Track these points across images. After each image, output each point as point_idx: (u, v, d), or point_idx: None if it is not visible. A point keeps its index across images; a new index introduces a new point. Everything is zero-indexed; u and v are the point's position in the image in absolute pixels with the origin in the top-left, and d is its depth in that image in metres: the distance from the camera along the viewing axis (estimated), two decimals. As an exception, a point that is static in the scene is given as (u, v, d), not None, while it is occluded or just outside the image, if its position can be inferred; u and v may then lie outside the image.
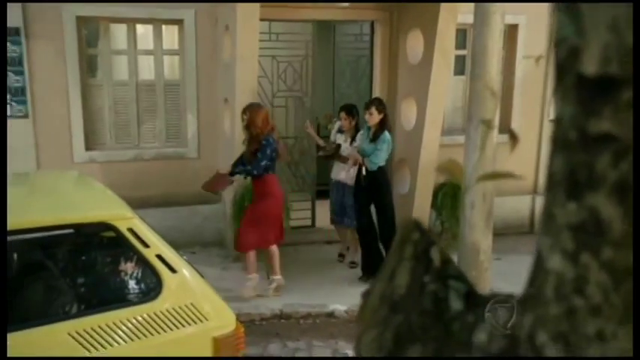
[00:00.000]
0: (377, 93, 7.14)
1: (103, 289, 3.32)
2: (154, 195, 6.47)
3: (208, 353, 3.15)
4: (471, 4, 4.77)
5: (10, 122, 5.84)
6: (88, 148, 6.26)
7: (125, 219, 2.99)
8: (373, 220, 5.94)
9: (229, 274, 5.99)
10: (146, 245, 3.01)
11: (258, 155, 5.20)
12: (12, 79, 5.81)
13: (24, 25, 5.74)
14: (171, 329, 3.02)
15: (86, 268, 3.49)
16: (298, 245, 6.93)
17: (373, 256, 5.78)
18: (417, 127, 6.70)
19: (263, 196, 5.33)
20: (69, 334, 2.75)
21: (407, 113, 6.90)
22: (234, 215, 6.17)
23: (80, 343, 2.76)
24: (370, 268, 5.78)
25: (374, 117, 5.68)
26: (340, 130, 6.17)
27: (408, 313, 0.71)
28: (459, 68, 7.48)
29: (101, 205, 3.15)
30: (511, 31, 7.36)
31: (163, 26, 6.51)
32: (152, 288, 3.05)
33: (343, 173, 6.09)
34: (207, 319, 3.14)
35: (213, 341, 3.15)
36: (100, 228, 3.06)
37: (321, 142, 6.50)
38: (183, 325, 3.06)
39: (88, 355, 2.77)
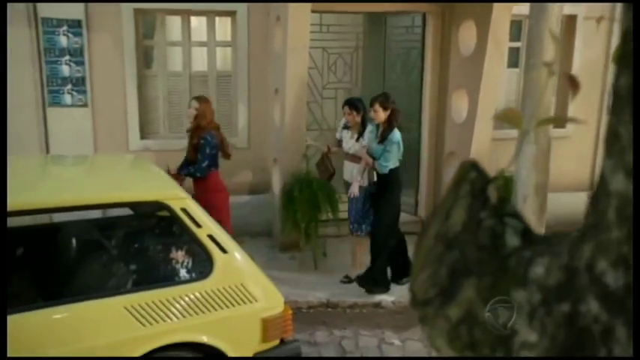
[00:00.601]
0: (428, 85, 7.07)
1: (156, 268, 3.42)
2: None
3: (257, 334, 3.21)
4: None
5: (70, 111, 6.07)
6: (142, 136, 6.44)
7: (178, 199, 3.07)
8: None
9: (276, 263, 6.04)
10: (198, 225, 3.09)
11: (198, 157, 5.04)
12: (73, 70, 6.03)
13: (85, 17, 5.95)
14: (221, 308, 3.09)
15: (141, 248, 3.61)
16: (344, 237, 6.94)
17: (377, 267, 5.33)
18: (468, 120, 6.60)
19: (208, 193, 5.06)
20: (125, 308, 2.85)
21: (458, 106, 6.81)
22: (283, 205, 6.22)
23: (134, 316, 2.85)
24: (368, 278, 5.32)
25: (379, 114, 5.23)
26: (346, 126, 5.72)
27: (464, 249, 0.71)
28: (513, 60, 7.32)
29: (156, 186, 3.25)
30: (569, 22, 7.15)
31: (217, 18, 6.63)
32: (203, 267, 3.12)
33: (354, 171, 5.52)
34: (255, 300, 3.20)
35: (262, 322, 3.21)
36: (155, 207, 3.16)
37: (324, 149, 6.04)
38: (233, 305, 3.13)
39: (141, 327, 2.86)
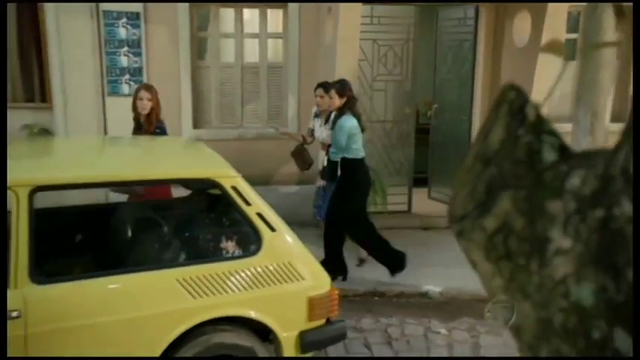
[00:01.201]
0: (479, 77, 6.98)
1: (207, 244, 3.52)
2: (254, 174, 6.63)
3: (303, 312, 3.26)
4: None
5: (127, 100, 6.25)
6: (195, 126, 6.60)
7: (229, 177, 3.16)
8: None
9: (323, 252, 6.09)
10: (248, 203, 3.16)
11: None
12: (131, 60, 6.25)
13: (143, 10, 6.15)
14: (268, 285, 3.15)
15: (194, 225, 3.72)
16: (394, 229, 6.93)
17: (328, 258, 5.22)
18: (520, 112, 6.48)
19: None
20: (177, 280, 2.95)
21: (510, 98, 6.69)
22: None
23: (185, 289, 2.95)
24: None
25: (334, 101, 5.07)
26: (317, 115, 5.61)
27: (501, 164, 0.73)
28: (570, 53, 7.14)
29: (208, 164, 3.34)
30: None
31: (268, 10, 6.73)
32: (252, 244, 3.19)
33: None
34: (302, 279, 3.25)
35: (308, 300, 3.26)
36: (206, 184, 3.25)
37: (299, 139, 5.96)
38: (280, 283, 3.19)
39: (191, 299, 2.95)
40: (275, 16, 6.82)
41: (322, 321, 3.34)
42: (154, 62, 6.35)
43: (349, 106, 5.10)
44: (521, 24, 6.52)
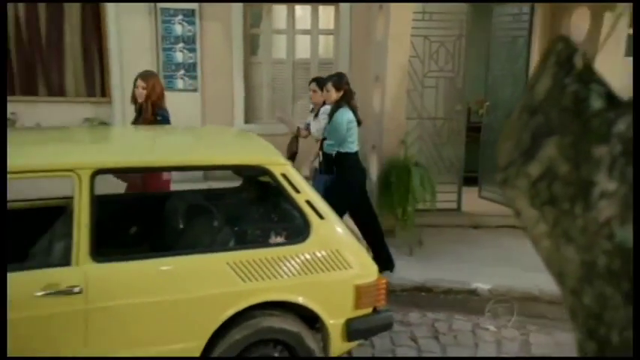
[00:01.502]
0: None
1: (257, 230, 3.60)
2: (303, 169, 6.78)
3: (350, 299, 3.29)
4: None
5: (181, 95, 6.47)
6: (246, 120, 6.74)
7: (279, 164, 3.22)
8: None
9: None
10: (297, 191, 3.22)
11: None
12: (186, 56, 6.43)
13: (199, 7, 6.32)
14: (316, 271, 3.20)
15: (244, 211, 3.81)
16: (443, 227, 6.88)
17: None
18: (576, 109, 6.31)
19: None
20: (227, 264, 3.03)
21: (566, 94, 6.52)
22: (379, 190, 6.27)
23: (235, 272, 3.03)
24: None
25: (331, 94, 5.04)
26: (313, 110, 5.53)
27: (547, 113, 0.75)
28: (631, 49, 6.90)
29: (258, 152, 3.42)
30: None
31: (320, 7, 6.80)
32: (301, 231, 3.24)
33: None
34: (350, 267, 3.28)
35: (355, 289, 3.28)
36: (257, 171, 3.32)
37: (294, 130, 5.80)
38: (328, 270, 3.22)
39: (241, 283, 3.03)
40: (326, 13, 6.88)
41: (369, 310, 3.36)
42: (208, 58, 6.51)
43: (346, 99, 5.09)
44: (580, 19, 6.36)
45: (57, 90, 6.31)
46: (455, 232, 6.87)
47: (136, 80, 4.87)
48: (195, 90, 6.53)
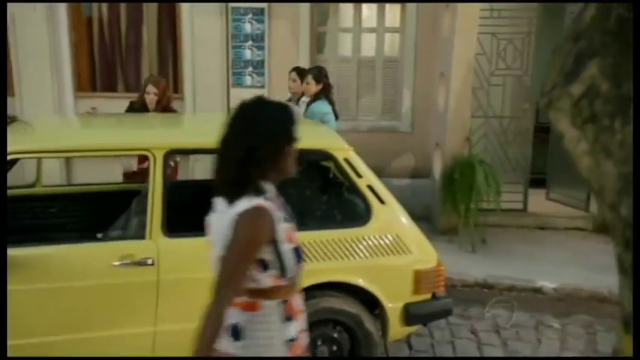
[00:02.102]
0: (606, 71, 6.62)
1: (319, 212, 3.70)
2: (368, 165, 6.84)
3: (409, 284, 3.32)
4: None
5: (249, 91, 6.63)
6: (312, 117, 6.86)
7: (342, 150, 3.31)
8: None
9: (434, 244, 6.08)
10: (359, 175, 3.29)
11: None
12: (254, 54, 6.65)
13: (268, 6, 6.52)
14: (376, 255, 3.26)
15: (307, 194, 3.92)
16: (507, 227, 6.77)
17: None
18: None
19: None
20: (289, 244, 3.14)
21: (641, 92, 6.29)
22: (443, 187, 6.25)
23: (298, 252, 3.13)
24: None
25: (311, 87, 5.09)
26: (290, 100, 5.51)
27: (591, 37, 0.79)
28: None
29: (322, 137, 3.53)
30: None
31: (387, 5, 6.85)
32: (362, 215, 3.31)
33: None
34: (410, 252, 3.32)
35: (414, 274, 3.32)
36: (320, 156, 3.42)
37: None
38: (387, 254, 3.28)
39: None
40: (393, 11, 6.93)
41: (428, 296, 3.38)
42: (275, 55, 6.69)
43: (325, 92, 5.13)
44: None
45: (134, 87, 6.66)
46: (520, 232, 6.75)
47: (145, 86, 4.98)
48: (262, 86, 6.73)
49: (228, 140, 1.86)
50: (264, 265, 1.86)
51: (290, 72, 5.67)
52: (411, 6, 6.65)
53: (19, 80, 6.54)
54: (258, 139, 1.81)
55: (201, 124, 4.22)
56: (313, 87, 5.14)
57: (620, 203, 0.77)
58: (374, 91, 7.04)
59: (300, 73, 5.48)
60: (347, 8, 6.94)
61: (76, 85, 6.77)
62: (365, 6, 6.93)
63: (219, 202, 1.96)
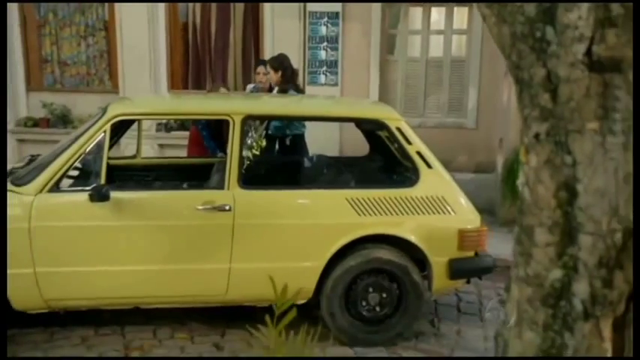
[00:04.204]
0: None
1: (373, 172, 4.17)
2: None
3: (453, 242, 3.70)
4: None
5: (323, 89, 7.23)
6: (381, 113, 7.31)
7: (395, 120, 3.77)
8: None
9: (495, 234, 6.30)
10: (409, 142, 3.73)
11: None
12: (329, 54, 7.21)
13: (342, 9, 7.08)
14: (423, 213, 3.66)
15: (362, 158, 4.41)
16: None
17: None
18: None
19: None
20: (345, 199, 3.61)
21: None
22: (503, 179, 6.50)
23: (352, 206, 3.60)
24: None
25: (271, 76, 5.29)
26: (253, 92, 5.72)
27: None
28: None
29: (378, 109, 4.00)
30: None
31: (455, 8, 7.23)
32: (410, 177, 3.74)
33: None
34: (454, 212, 3.70)
35: (459, 232, 3.70)
36: (375, 125, 3.90)
37: None
38: (433, 213, 3.68)
39: (357, 216, 3.58)
40: (460, 14, 7.29)
41: (471, 253, 3.74)
42: (348, 56, 7.22)
43: (290, 80, 5.25)
44: None
45: (220, 83, 7.39)
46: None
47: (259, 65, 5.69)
48: (335, 84, 7.27)
49: None
50: None
51: (256, 67, 5.97)
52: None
53: (122, 78, 7.43)
54: None
55: (279, 98, 4.86)
56: (274, 76, 5.33)
57: (511, 53, 1.20)
58: (441, 89, 7.41)
59: (268, 65, 5.63)
60: (416, 11, 7.38)
61: (169, 83, 7.58)
62: (434, 9, 7.33)
63: None
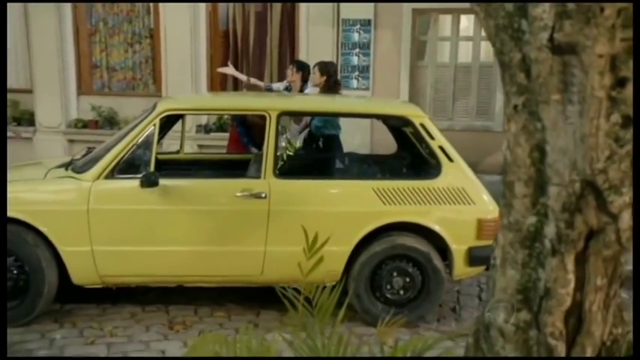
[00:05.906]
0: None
1: (398, 165, 4.46)
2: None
3: (472, 230, 3.95)
4: None
5: (355, 93, 7.56)
6: (410, 116, 7.59)
7: (419, 116, 4.06)
8: None
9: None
10: (432, 138, 4.01)
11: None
12: (361, 60, 7.54)
13: (374, 17, 7.41)
14: (444, 204, 3.94)
15: (390, 155, 4.71)
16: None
17: None
18: None
19: None
20: (372, 189, 3.91)
21: None
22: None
23: (378, 196, 3.89)
24: None
25: (315, 76, 5.54)
26: (287, 88, 5.93)
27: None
28: None
29: (403, 107, 4.31)
30: None
31: (483, 15, 7.47)
32: (433, 170, 4.02)
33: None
34: (473, 203, 3.97)
35: (477, 222, 3.95)
36: (400, 121, 4.20)
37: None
38: (454, 203, 3.95)
39: (382, 205, 3.87)
40: (489, 21, 7.53)
41: (489, 242, 3.97)
42: (380, 61, 7.54)
43: (332, 87, 5.50)
44: None
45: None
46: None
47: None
48: (367, 89, 7.59)
49: None
50: None
51: (289, 66, 6.25)
52: (505, 15, 7.22)
53: (165, 82, 7.90)
54: None
55: (312, 97, 5.25)
56: (318, 78, 5.60)
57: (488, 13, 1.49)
58: (469, 94, 7.66)
59: (299, 66, 6.00)
60: (446, 19, 7.66)
61: (209, 87, 8.02)
62: (463, 16, 7.60)
63: None
